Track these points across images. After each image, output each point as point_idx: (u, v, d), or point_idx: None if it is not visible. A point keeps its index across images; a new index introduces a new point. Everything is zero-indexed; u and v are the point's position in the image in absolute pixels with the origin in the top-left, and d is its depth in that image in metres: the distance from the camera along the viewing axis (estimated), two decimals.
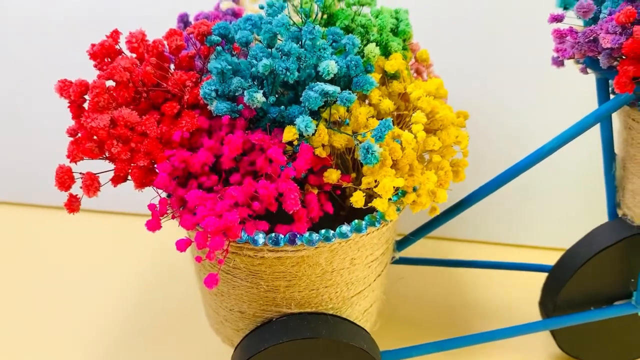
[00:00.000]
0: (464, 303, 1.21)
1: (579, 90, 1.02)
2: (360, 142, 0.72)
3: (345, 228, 0.75)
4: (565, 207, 1.30)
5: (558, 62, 0.87)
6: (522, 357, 1.07)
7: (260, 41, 0.75)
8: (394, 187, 0.70)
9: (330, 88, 0.70)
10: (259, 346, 0.81)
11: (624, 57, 0.73)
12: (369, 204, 0.73)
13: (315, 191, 0.77)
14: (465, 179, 0.82)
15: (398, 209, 0.77)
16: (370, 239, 0.80)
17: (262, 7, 0.77)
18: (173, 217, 0.74)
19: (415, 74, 0.90)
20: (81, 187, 0.75)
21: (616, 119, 0.89)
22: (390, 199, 0.75)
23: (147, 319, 1.18)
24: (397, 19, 0.84)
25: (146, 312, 1.20)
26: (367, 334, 0.87)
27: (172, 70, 0.77)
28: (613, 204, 0.94)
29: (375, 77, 0.78)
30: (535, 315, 1.05)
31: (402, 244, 0.95)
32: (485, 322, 1.15)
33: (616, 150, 0.92)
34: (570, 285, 0.95)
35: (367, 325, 0.92)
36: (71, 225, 1.41)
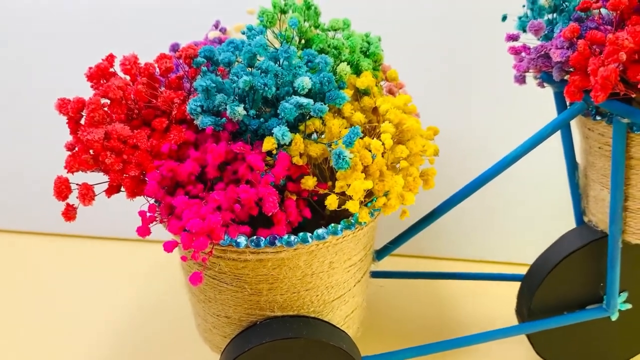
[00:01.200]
0: (445, 313, 1.25)
1: (542, 106, 1.09)
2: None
3: (322, 231, 0.81)
4: (535, 220, 1.36)
5: (520, 80, 0.95)
6: None
7: (242, 62, 0.83)
8: (364, 189, 0.76)
9: (304, 100, 0.77)
10: (243, 347, 0.85)
11: (572, 69, 0.81)
12: (342, 207, 0.79)
13: (294, 197, 0.83)
14: (434, 187, 0.89)
15: (372, 214, 0.83)
16: (347, 243, 0.86)
17: (243, 33, 0.85)
18: (161, 222, 0.80)
19: (387, 93, 0.97)
20: (77, 197, 0.81)
21: (576, 130, 0.96)
22: (364, 203, 0.82)
23: (139, 342, 1.21)
24: (368, 42, 0.92)
25: (137, 336, 1.23)
26: (347, 335, 0.92)
27: (162, 90, 0.84)
28: (579, 211, 1.00)
29: (347, 93, 0.85)
30: (512, 322, 1.09)
31: (381, 253, 1.01)
32: (465, 330, 1.19)
33: (578, 159, 0.98)
34: (542, 290, 0.99)
35: (349, 332, 0.96)
36: (60, 251, 1.48)
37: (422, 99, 1.03)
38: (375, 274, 1.16)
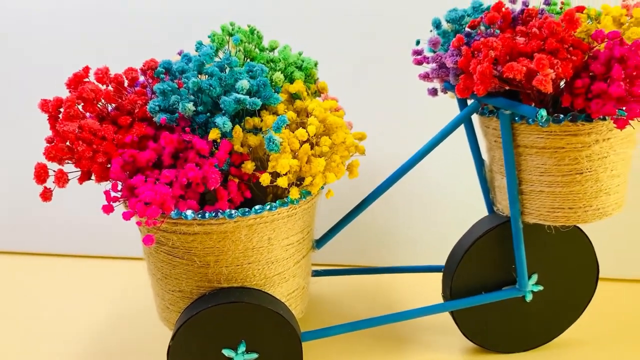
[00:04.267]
0: (380, 302, 1.39)
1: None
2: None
3: (258, 206, 0.96)
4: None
5: (432, 92, 1.14)
6: (440, 355, 1.22)
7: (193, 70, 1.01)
8: (290, 165, 0.92)
9: (241, 96, 0.95)
10: (192, 312, 0.98)
11: (461, 72, 0.99)
12: (274, 183, 0.95)
13: (236, 180, 0.99)
14: (358, 176, 1.05)
15: (303, 195, 0.99)
16: (283, 222, 1.01)
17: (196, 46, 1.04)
18: (121, 198, 0.95)
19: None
20: (53, 181, 0.97)
21: (480, 132, 1.14)
22: (295, 184, 0.97)
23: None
24: (302, 60, 1.11)
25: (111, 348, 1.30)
26: (285, 306, 1.04)
27: (127, 93, 1.02)
28: (489, 202, 1.16)
29: (282, 96, 1.03)
30: None
31: (320, 242, 1.16)
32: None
33: (484, 157, 1.15)
34: (459, 272, 1.13)
35: (292, 310, 1.09)
36: (34, 270, 1.61)
37: (355, 110, 1.22)
38: (318, 274, 1.31)
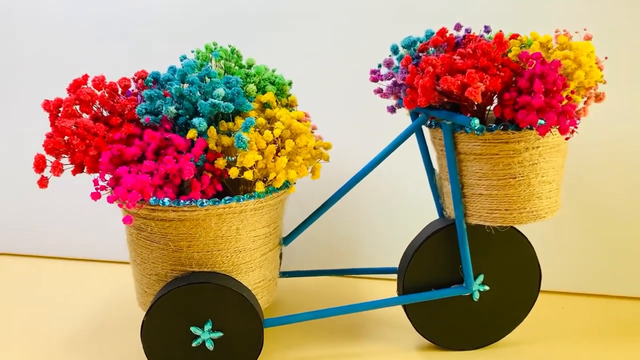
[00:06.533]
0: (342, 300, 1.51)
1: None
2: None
3: (227, 197, 1.10)
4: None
5: (391, 110, 1.28)
6: (393, 348, 1.32)
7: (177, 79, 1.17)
8: (254, 160, 1.06)
9: (216, 101, 1.10)
10: (164, 291, 1.10)
11: (408, 87, 1.14)
12: (242, 176, 1.08)
13: (210, 175, 1.12)
14: (320, 177, 1.19)
15: (269, 191, 1.12)
16: (250, 214, 1.14)
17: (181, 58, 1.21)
18: (108, 186, 1.09)
19: None
20: (50, 171, 1.11)
21: (430, 143, 1.27)
22: (260, 179, 1.11)
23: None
24: (275, 76, 1.26)
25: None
26: (250, 292, 1.16)
27: (120, 98, 1.17)
28: (440, 207, 1.28)
29: (254, 105, 1.18)
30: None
31: (287, 239, 1.28)
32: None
33: (435, 165, 1.28)
34: (411, 270, 1.24)
35: (258, 299, 1.20)
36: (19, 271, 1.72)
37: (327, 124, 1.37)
38: (287, 274, 1.43)
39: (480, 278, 1.25)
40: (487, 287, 1.26)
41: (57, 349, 1.33)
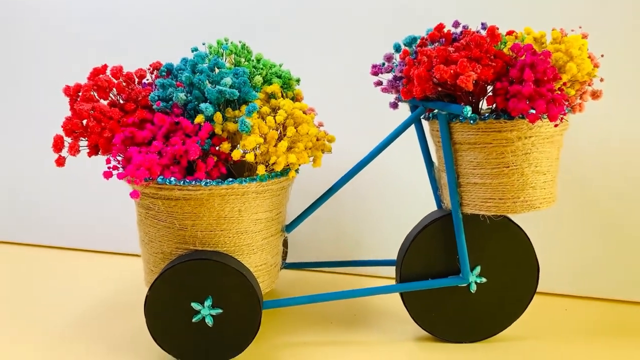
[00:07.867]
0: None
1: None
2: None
3: (230, 179, 1.16)
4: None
5: (393, 105, 1.33)
6: (391, 337, 1.34)
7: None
8: (256, 142, 1.12)
9: (223, 88, 1.17)
10: (169, 266, 1.16)
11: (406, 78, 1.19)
12: (243, 158, 1.14)
13: (215, 158, 1.18)
14: (321, 166, 1.24)
15: (271, 175, 1.18)
16: (252, 197, 1.19)
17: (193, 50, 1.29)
18: (120, 166, 1.16)
19: None
20: (67, 151, 1.19)
21: (429, 136, 1.31)
22: (263, 163, 1.17)
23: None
24: (282, 71, 1.33)
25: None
26: (250, 272, 1.20)
27: (134, 86, 1.25)
28: (438, 198, 1.31)
29: (260, 96, 1.25)
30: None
31: (289, 226, 1.33)
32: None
33: (433, 158, 1.32)
34: (408, 258, 1.27)
35: (259, 282, 1.25)
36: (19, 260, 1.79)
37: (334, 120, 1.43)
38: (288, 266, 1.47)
39: (477, 270, 1.27)
40: (484, 279, 1.28)
41: (65, 329, 1.40)
